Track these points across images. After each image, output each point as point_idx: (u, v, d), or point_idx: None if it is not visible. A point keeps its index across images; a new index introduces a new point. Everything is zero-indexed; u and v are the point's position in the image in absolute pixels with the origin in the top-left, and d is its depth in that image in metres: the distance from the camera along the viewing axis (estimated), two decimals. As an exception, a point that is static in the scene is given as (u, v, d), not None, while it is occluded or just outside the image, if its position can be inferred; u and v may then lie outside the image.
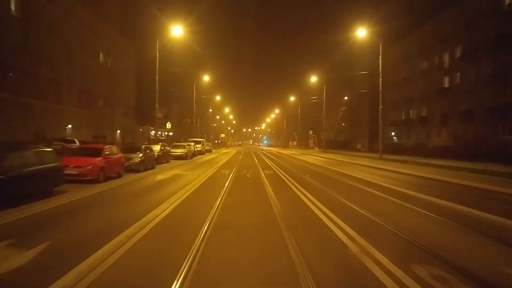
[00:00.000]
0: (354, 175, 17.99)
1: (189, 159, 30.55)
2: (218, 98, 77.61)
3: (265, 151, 63.77)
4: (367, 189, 12.83)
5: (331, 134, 74.31)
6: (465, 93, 36.27)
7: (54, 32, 34.75)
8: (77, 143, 29.07)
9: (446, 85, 40.53)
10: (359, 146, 63.42)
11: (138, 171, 17.43)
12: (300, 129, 79.10)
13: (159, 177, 16.08)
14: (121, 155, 15.81)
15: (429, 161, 27.18)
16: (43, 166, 9.79)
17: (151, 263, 4.78)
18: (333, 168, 22.62)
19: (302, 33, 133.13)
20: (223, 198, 10.20)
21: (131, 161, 17.26)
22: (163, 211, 8.07)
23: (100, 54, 47.11)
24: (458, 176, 16.60)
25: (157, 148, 23.21)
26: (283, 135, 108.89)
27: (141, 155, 18.29)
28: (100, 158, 13.71)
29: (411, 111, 48.95)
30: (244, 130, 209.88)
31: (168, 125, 66.88)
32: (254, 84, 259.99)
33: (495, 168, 20.38)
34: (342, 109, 74.24)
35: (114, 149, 15.65)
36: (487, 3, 33.10)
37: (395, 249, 5.52)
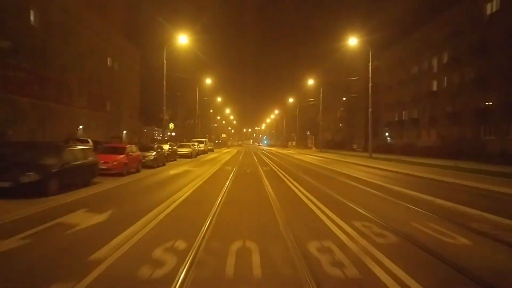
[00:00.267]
0: (340, 170, 20.59)
1: (193, 157, 33.12)
2: (219, 99, 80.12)
3: (264, 151, 66.36)
4: (345, 180, 15.46)
5: (329, 134, 76.90)
6: (451, 97, 38.87)
7: (68, 40, 37.32)
8: (90, 143, 31.65)
9: (435, 88, 43.15)
10: (355, 146, 65.94)
11: (152, 167, 20.00)
12: (299, 130, 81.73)
13: (172, 172, 18.68)
14: (139, 153, 18.41)
15: (413, 160, 29.73)
16: (86, 161, 12.38)
17: (186, 220, 7.35)
18: (323, 166, 25.23)
19: (301, 39, 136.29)
20: (228, 186, 12.82)
21: (146, 158, 19.81)
22: (183, 194, 10.65)
23: (108, 59, 49.70)
24: (430, 171, 19.16)
25: (166, 147, 25.78)
26: (283, 135, 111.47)
27: (154, 153, 20.89)
28: (123, 156, 16.29)
29: (403, 112, 51.61)
30: (245, 130, 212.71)
31: (171, 126, 69.47)
32: (255, 85, 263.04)
33: (468, 165, 22.91)
34: (341, 109, 76.77)
35: (134, 148, 18.24)
36: (470, 13, 35.66)
37: (346, 214, 8.07)
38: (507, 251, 5.76)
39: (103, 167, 14.89)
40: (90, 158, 12.89)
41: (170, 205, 9.00)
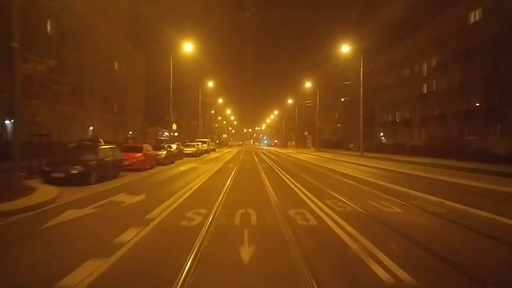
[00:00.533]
0: (329, 167, 23.22)
1: (198, 156, 35.79)
2: (220, 101, 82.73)
3: (264, 150, 69.02)
4: (331, 174, 18.10)
5: (327, 134, 79.53)
6: (439, 99, 41.52)
7: (80, 47, 40.00)
8: (102, 143, 34.33)
9: (425, 91, 45.79)
10: (351, 145, 68.46)
11: (163, 164, 22.63)
12: (298, 130, 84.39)
13: (182, 168, 21.32)
14: (153, 151, 21.04)
15: (400, 158, 32.34)
16: (115, 158, 15.01)
17: (203, 199, 9.97)
18: (316, 163, 27.86)
19: (300, 44, 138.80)
20: (232, 178, 15.48)
21: (158, 156, 22.45)
22: (197, 184, 13.30)
23: (115, 63, 52.40)
24: (407, 168, 21.74)
25: (174, 147, 28.41)
26: (282, 135, 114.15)
27: (165, 152, 23.53)
28: (141, 154, 18.94)
29: (397, 113, 54.28)
30: (245, 130, 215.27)
31: (174, 127, 72.21)
32: (255, 86, 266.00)
33: (445, 163, 25.52)
34: (339, 110, 79.37)
35: (149, 147, 20.89)
36: (455, 21, 38.27)
37: (322, 195, 10.65)
38: (423, 215, 8.39)
39: (125, 163, 17.55)
40: (118, 156, 15.53)
41: (189, 190, 11.63)
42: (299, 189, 12.22)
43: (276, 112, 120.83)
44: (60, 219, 7.26)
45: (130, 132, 58.24)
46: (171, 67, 34.43)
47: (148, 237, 6.12)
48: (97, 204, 8.93)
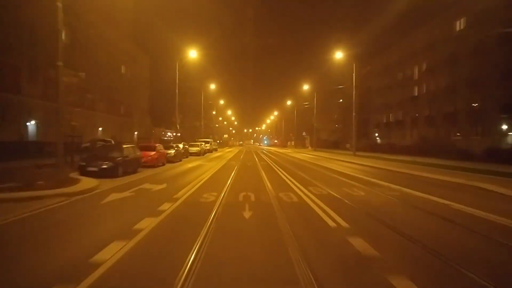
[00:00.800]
0: (322, 164, 25.89)
1: (202, 155, 38.47)
2: (221, 102, 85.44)
3: (264, 150, 71.72)
4: (321, 170, 20.77)
5: (325, 134, 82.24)
6: (428, 101, 44.18)
7: (90, 52, 42.73)
8: (113, 143, 37.00)
9: (416, 93, 48.46)
10: (348, 145, 70.98)
11: (173, 162, 25.29)
12: (297, 130, 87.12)
13: (189, 165, 24.00)
14: (164, 150, 23.72)
15: (390, 157, 34.99)
16: (135, 155, 17.69)
17: (213, 186, 12.64)
18: (311, 161, 30.54)
19: (299, 48, 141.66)
20: (235, 172, 18.18)
21: (168, 155, 25.10)
22: (205, 177, 15.98)
23: (122, 66, 55.16)
24: (391, 165, 24.37)
25: (181, 146, 31.08)
26: (282, 135, 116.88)
27: (174, 151, 26.20)
28: (154, 152, 21.60)
29: (390, 115, 56.95)
30: (245, 130, 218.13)
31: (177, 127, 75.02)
32: (255, 88, 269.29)
33: (427, 161, 28.15)
34: (337, 111, 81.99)
35: (161, 146, 23.57)
36: (443, 28, 40.93)
37: (307, 184, 13.29)
38: (379, 196, 11.06)
39: (142, 160, 20.22)
40: (137, 154, 18.21)
41: (200, 181, 14.32)
42: (290, 180, 14.89)
43: (276, 113, 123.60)
44: (110, 198, 9.94)
45: (136, 133, 61.11)
46: (177, 73, 37.07)
47: (180, 207, 8.83)
48: (132, 190, 11.61)
